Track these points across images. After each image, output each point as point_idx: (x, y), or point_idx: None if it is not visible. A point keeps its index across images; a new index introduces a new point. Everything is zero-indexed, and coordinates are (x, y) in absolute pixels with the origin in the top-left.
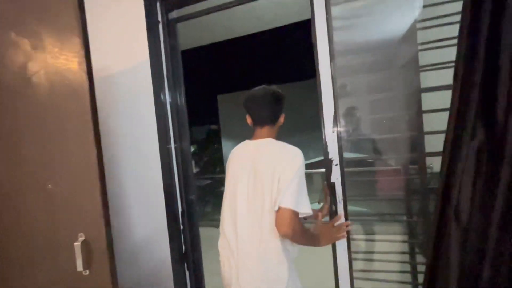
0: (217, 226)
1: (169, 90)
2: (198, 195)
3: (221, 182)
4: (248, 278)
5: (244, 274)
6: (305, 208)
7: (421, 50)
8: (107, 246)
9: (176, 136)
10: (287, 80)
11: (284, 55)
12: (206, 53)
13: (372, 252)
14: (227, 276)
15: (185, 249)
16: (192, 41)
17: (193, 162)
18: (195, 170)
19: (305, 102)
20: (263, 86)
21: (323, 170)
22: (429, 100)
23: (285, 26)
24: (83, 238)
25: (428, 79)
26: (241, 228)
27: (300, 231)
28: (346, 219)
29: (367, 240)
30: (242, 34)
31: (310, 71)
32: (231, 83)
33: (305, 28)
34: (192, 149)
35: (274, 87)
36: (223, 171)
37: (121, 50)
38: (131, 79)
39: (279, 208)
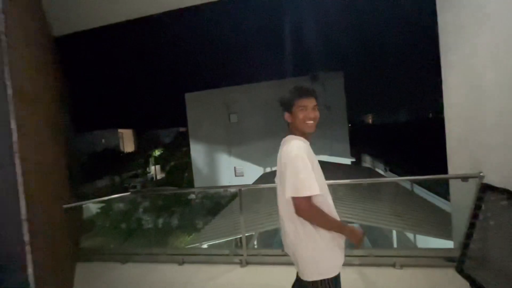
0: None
1: None
2: (164, 205)
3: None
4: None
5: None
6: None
7: None
8: None
9: None
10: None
11: (276, 44)
12: (171, 26)
13: None
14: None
15: None
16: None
17: (157, 168)
18: (160, 176)
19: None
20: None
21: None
22: None
23: None
24: None
25: None
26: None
27: (312, 215)
28: None
29: None
30: None
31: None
32: (202, 78)
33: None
34: (158, 153)
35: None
36: (191, 177)
37: None
38: None
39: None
